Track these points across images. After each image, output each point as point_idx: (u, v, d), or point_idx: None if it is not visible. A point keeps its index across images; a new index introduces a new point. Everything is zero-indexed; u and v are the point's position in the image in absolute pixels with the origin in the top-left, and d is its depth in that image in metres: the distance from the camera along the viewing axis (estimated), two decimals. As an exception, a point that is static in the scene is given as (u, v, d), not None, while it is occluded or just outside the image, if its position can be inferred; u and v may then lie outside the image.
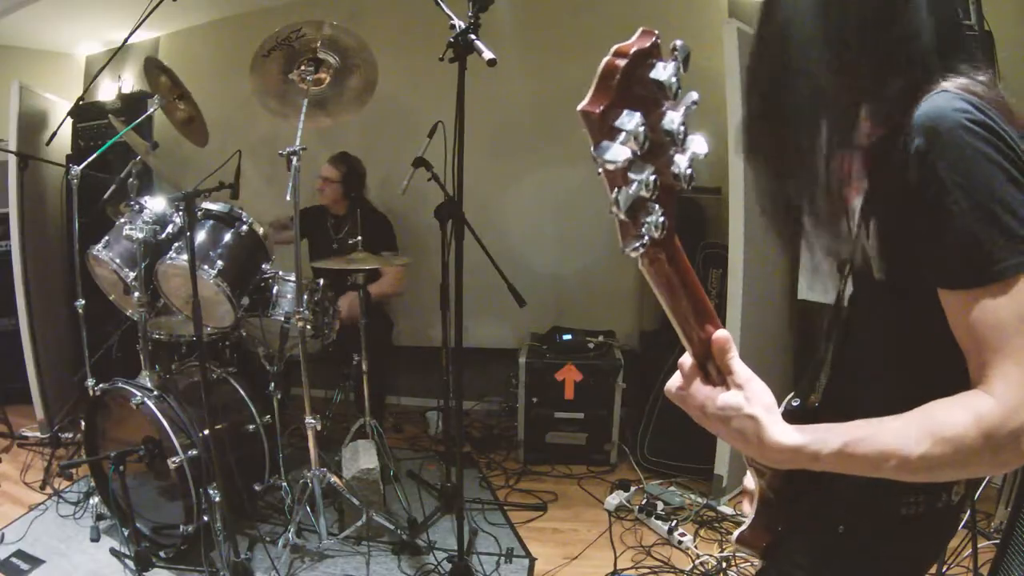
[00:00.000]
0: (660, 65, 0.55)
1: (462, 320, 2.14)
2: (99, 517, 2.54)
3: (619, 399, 3.24)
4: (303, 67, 2.50)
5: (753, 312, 2.84)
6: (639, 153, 0.54)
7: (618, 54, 0.54)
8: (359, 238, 2.71)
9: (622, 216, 0.57)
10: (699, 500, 2.89)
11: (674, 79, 0.55)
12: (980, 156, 0.70)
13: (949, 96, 0.73)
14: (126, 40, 2.91)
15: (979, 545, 2.08)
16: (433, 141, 2.48)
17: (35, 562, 2.35)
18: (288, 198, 2.30)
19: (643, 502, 2.81)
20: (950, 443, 0.68)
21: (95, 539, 2.47)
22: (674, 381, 0.74)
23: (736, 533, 1.06)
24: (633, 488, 2.99)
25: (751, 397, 0.69)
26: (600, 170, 0.56)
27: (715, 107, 2.90)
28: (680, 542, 2.55)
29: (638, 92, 0.55)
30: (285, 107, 2.66)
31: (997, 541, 1.85)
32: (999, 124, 0.71)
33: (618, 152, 0.54)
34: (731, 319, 2.82)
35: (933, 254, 0.74)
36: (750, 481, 1.05)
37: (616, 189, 0.56)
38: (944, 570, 2.14)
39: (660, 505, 2.79)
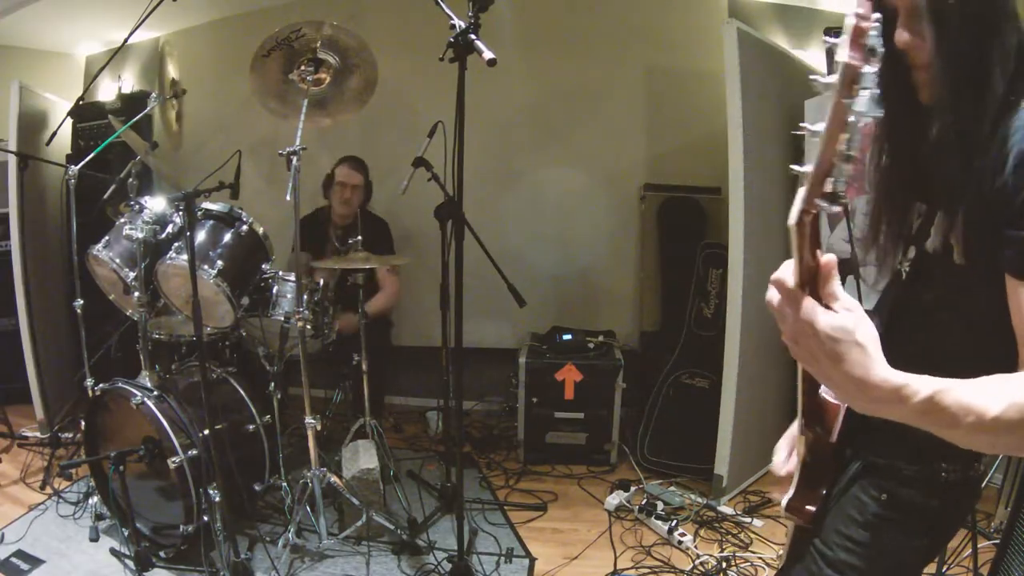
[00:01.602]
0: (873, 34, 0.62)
1: (462, 320, 2.14)
2: (99, 517, 2.53)
3: (619, 399, 3.24)
4: (303, 67, 2.50)
5: (753, 312, 2.83)
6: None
7: (862, 17, 0.61)
8: (359, 237, 2.71)
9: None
10: (699, 500, 2.89)
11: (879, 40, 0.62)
12: None
13: None
14: (126, 40, 2.91)
15: (979, 545, 2.08)
16: (433, 141, 2.48)
17: (35, 562, 2.35)
18: (288, 198, 2.30)
19: (643, 502, 2.81)
20: (1021, 410, 0.72)
21: (95, 539, 2.47)
22: (774, 293, 0.73)
23: (784, 500, 1.08)
24: (633, 488, 2.99)
25: (859, 323, 0.69)
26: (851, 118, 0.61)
27: (715, 107, 2.90)
28: (680, 542, 2.55)
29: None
30: (285, 107, 2.66)
31: (997, 541, 1.85)
32: None
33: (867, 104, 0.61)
34: (731, 319, 2.82)
35: (1010, 244, 0.81)
36: (781, 461, 1.11)
37: (847, 136, 0.62)
38: (944, 570, 2.14)
39: (660, 505, 2.79)
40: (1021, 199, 0.79)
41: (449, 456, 2.94)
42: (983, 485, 1.04)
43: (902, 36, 0.89)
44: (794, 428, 1.11)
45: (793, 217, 0.66)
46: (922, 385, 0.72)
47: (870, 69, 0.61)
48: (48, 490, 2.84)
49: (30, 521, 2.58)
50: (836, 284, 0.69)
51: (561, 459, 3.31)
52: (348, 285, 3.06)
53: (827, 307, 0.69)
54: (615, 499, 2.88)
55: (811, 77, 0.67)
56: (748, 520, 2.74)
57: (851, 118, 0.61)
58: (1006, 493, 2.46)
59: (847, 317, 0.69)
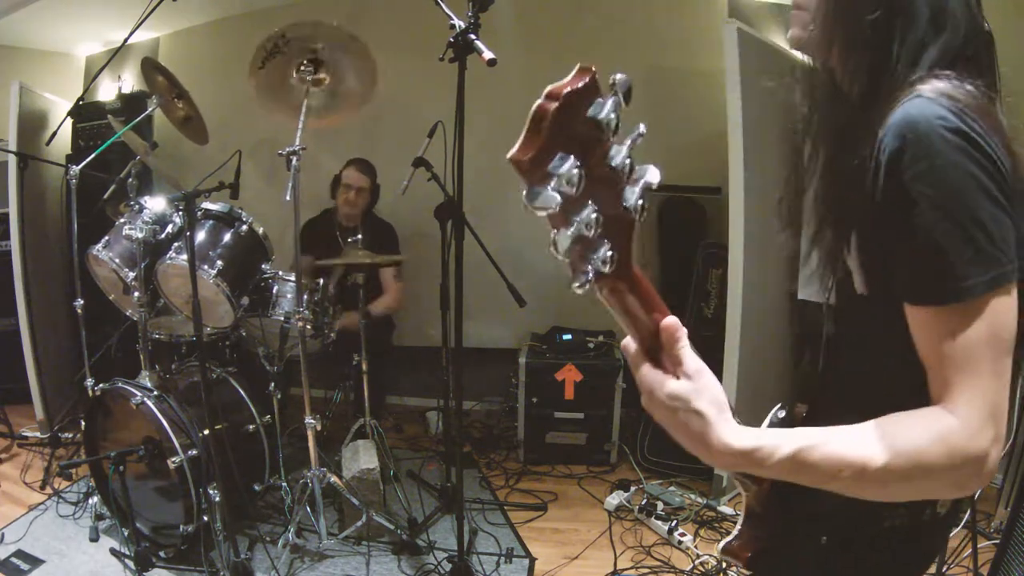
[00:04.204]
0: (598, 102, 0.54)
1: (462, 320, 2.14)
2: (99, 517, 2.54)
3: (619, 399, 3.25)
4: (303, 68, 2.50)
5: (753, 312, 2.84)
6: (575, 194, 0.53)
7: (550, 96, 0.52)
8: (359, 236, 2.71)
9: (559, 257, 0.56)
10: (699, 500, 2.89)
11: (612, 116, 0.54)
12: (952, 167, 0.66)
13: (926, 101, 0.69)
14: (126, 40, 2.91)
15: (979, 545, 2.08)
16: (433, 141, 2.48)
17: (35, 562, 2.35)
18: (288, 198, 2.30)
19: (643, 502, 2.81)
20: (909, 458, 0.65)
21: (94, 539, 2.47)
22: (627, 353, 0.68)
23: (722, 543, 1.04)
24: (633, 488, 2.99)
25: (700, 390, 0.64)
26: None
27: (715, 107, 2.90)
28: (680, 542, 2.55)
29: (579, 131, 0.53)
30: (285, 107, 2.66)
31: (997, 541, 1.85)
32: (979, 133, 0.67)
33: (548, 198, 0.53)
34: (731, 319, 2.82)
35: (900, 268, 0.71)
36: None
37: (555, 231, 0.55)
38: (944, 570, 2.14)
39: (660, 505, 2.79)
40: (900, 212, 0.68)
41: (449, 456, 2.94)
42: (953, 524, 0.92)
43: (790, 33, 0.84)
44: None
45: (582, 291, 0.58)
46: (780, 443, 0.66)
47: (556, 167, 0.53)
48: (48, 490, 2.84)
49: (30, 521, 2.58)
50: (679, 348, 0.64)
51: (561, 459, 3.31)
52: (348, 285, 3.06)
53: (671, 373, 0.65)
54: (615, 499, 2.88)
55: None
56: (748, 520, 2.74)
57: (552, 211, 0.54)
58: (1006, 493, 2.47)
59: (684, 386, 0.64)
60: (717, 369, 3.08)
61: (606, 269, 0.57)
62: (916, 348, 0.72)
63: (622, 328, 0.65)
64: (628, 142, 0.56)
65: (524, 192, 0.53)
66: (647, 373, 0.65)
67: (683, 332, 0.64)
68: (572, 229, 0.54)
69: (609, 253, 0.57)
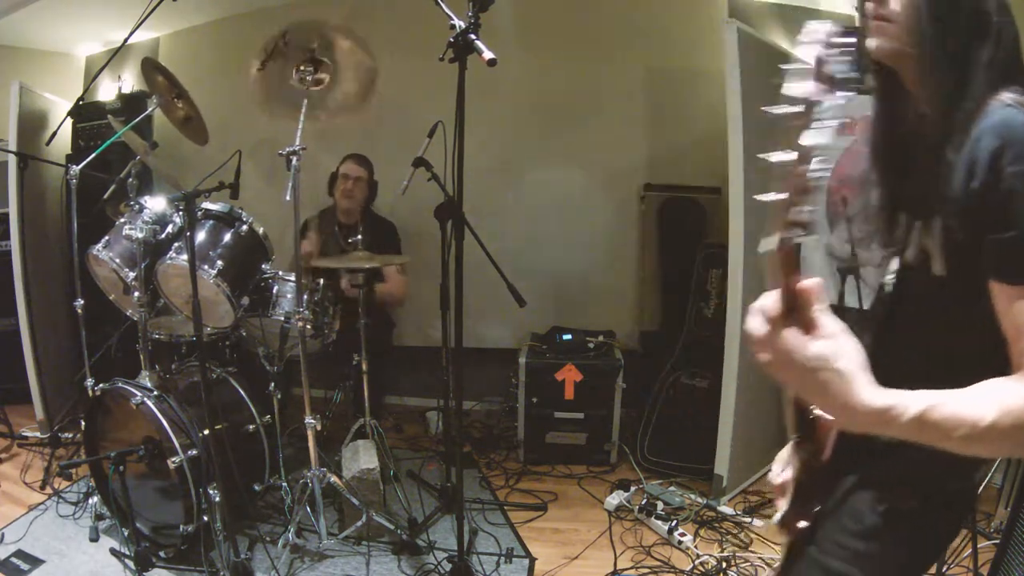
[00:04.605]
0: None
1: (462, 320, 2.14)
2: (99, 517, 2.53)
3: (619, 399, 3.24)
4: (303, 68, 2.50)
5: (753, 312, 2.83)
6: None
7: (827, 44, 0.63)
8: (359, 237, 2.71)
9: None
10: (699, 500, 2.89)
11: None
12: None
13: (1014, 110, 0.80)
14: (126, 40, 2.91)
15: (979, 545, 2.08)
16: (433, 141, 2.48)
17: (35, 562, 2.35)
18: (288, 198, 2.30)
19: (643, 502, 2.81)
20: (1013, 416, 0.72)
21: (94, 539, 2.47)
22: (756, 322, 0.72)
23: (777, 516, 1.08)
24: (633, 488, 2.99)
25: (841, 351, 0.69)
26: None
27: (715, 107, 2.90)
28: (680, 542, 2.55)
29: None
30: (285, 107, 2.66)
31: (997, 541, 1.85)
32: None
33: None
34: (731, 319, 2.82)
35: (991, 251, 0.80)
36: (778, 472, 1.10)
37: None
38: (944, 570, 2.14)
39: (660, 505, 2.79)
40: (997, 203, 0.78)
41: (449, 456, 2.94)
42: (979, 492, 1.04)
43: (872, 43, 0.91)
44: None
45: (769, 246, 0.66)
46: (910, 404, 0.72)
47: (833, 100, 0.61)
48: (48, 490, 2.84)
49: (30, 521, 2.58)
50: (818, 311, 0.69)
51: (561, 459, 3.31)
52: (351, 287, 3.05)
53: (810, 335, 0.69)
54: (615, 499, 2.88)
55: (762, 108, 0.66)
56: (748, 520, 2.74)
57: (812, 151, 0.61)
58: (1006, 493, 2.47)
59: (826, 346, 0.68)
60: (717, 369, 3.09)
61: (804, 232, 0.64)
62: (993, 324, 0.81)
63: (767, 285, 0.70)
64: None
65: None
66: (790, 335, 0.69)
67: (824, 294, 0.69)
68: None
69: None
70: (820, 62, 0.62)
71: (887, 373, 0.72)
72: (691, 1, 3.70)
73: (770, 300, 0.71)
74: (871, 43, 0.92)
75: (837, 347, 0.69)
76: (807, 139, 0.62)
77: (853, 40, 0.63)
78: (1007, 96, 0.82)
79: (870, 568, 1.01)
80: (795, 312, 0.69)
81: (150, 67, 2.67)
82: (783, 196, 0.64)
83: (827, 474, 1.02)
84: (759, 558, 2.47)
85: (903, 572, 1.03)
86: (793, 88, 0.62)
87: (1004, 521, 2.01)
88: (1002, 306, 0.80)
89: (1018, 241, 0.78)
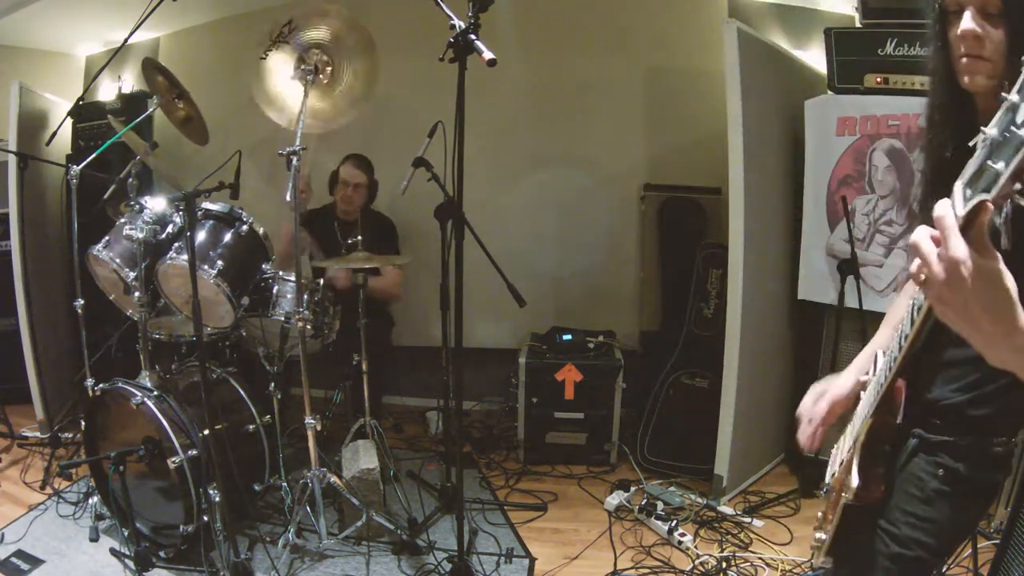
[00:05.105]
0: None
1: (462, 320, 2.14)
2: (99, 517, 2.53)
3: (619, 399, 3.24)
4: (303, 67, 2.50)
5: (753, 312, 2.84)
6: None
7: None
8: (359, 237, 2.71)
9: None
10: (699, 500, 2.89)
11: None
12: None
13: None
14: (126, 40, 2.91)
15: (979, 545, 2.08)
16: (433, 141, 2.48)
17: (35, 562, 2.35)
18: (288, 198, 2.30)
19: (643, 502, 2.81)
20: None
21: (94, 539, 2.47)
22: (923, 235, 0.71)
23: (854, 486, 1.12)
24: (633, 488, 2.99)
25: (1008, 274, 0.68)
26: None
27: (715, 107, 2.90)
28: (680, 542, 2.55)
29: None
30: (285, 107, 2.66)
31: (997, 541, 1.85)
32: None
33: None
34: (731, 319, 2.82)
35: None
36: (811, 402, 1.26)
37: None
38: (944, 570, 2.14)
39: (660, 505, 2.79)
40: None
41: (449, 456, 2.94)
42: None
43: (969, 26, 0.95)
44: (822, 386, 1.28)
45: (984, 199, 0.65)
46: None
47: None
48: (48, 490, 2.84)
49: (30, 521, 2.58)
50: (987, 238, 0.67)
51: (561, 459, 3.31)
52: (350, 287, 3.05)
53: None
54: (615, 499, 2.88)
55: (1001, 95, 0.65)
56: (748, 520, 2.74)
57: None
58: (1006, 493, 2.46)
59: (999, 263, 0.67)
60: (717, 369, 3.08)
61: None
62: None
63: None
64: None
65: None
66: (960, 246, 0.67)
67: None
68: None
69: None
70: None
71: (945, 351, 0.75)
72: (691, 1, 3.70)
73: (947, 208, 0.68)
74: (966, 79, 0.98)
75: (1004, 268, 0.68)
76: None
77: None
78: None
79: (937, 531, 1.10)
80: (969, 232, 0.67)
81: (150, 67, 2.67)
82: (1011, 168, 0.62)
83: (892, 438, 1.11)
84: (759, 558, 2.47)
85: (959, 531, 1.17)
86: None
87: (1004, 521, 2.01)
88: None
89: None
